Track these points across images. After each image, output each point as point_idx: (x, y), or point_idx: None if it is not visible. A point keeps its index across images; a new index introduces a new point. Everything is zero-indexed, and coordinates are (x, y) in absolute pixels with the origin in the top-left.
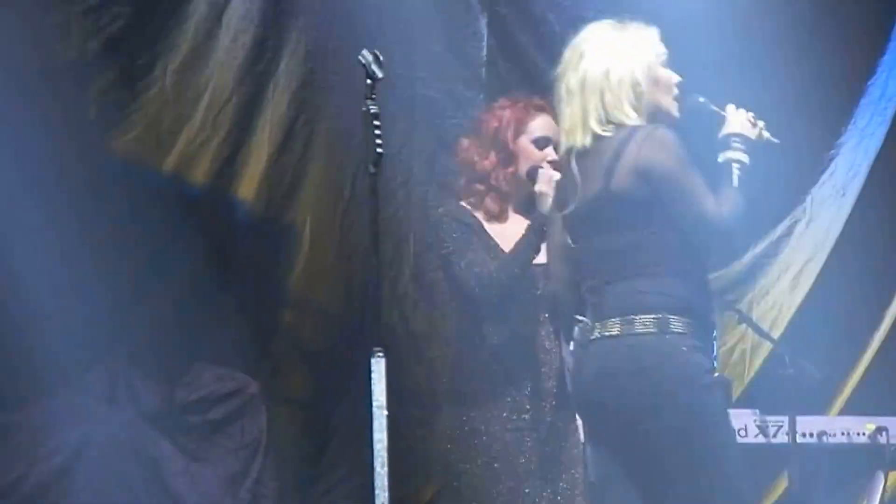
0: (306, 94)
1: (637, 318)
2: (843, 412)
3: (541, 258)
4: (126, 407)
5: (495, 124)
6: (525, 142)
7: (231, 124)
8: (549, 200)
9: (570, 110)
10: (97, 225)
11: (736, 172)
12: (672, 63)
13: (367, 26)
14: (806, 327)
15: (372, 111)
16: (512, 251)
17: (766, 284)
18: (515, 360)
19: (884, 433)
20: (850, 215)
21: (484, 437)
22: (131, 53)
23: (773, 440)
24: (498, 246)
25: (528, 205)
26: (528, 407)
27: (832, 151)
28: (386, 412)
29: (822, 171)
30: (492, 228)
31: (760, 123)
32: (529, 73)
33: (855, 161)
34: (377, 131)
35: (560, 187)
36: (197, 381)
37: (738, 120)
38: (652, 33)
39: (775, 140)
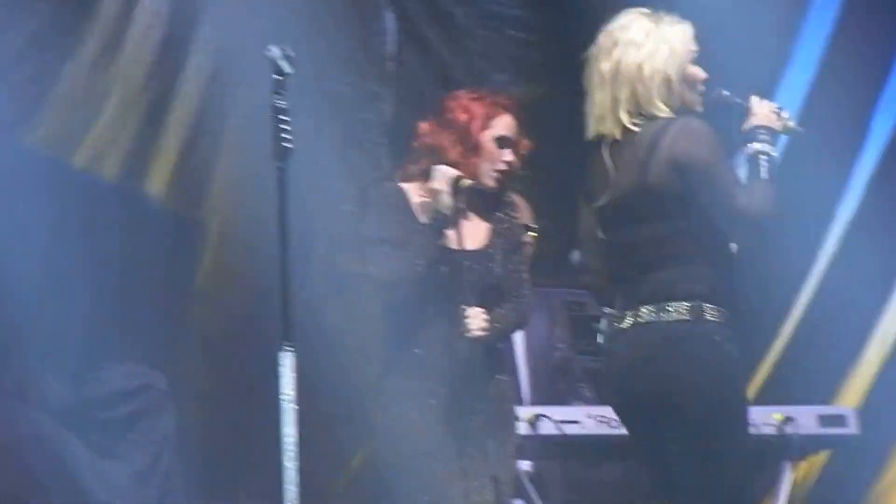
0: (215, 90)
1: (671, 305)
2: (754, 402)
3: (470, 245)
4: (34, 404)
5: (465, 116)
6: (488, 137)
7: (141, 120)
8: (446, 198)
9: (600, 97)
10: (6, 220)
11: (764, 165)
12: None
13: (275, 22)
14: None
15: (280, 106)
16: (415, 249)
17: None
18: (432, 351)
19: (791, 423)
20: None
21: (401, 429)
22: (44, 49)
23: None
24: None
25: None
26: (444, 398)
27: None
28: (294, 406)
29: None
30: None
31: (785, 114)
32: (437, 67)
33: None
34: (285, 126)
35: (592, 179)
36: (105, 377)
37: (762, 112)
38: (686, 28)
39: (800, 129)
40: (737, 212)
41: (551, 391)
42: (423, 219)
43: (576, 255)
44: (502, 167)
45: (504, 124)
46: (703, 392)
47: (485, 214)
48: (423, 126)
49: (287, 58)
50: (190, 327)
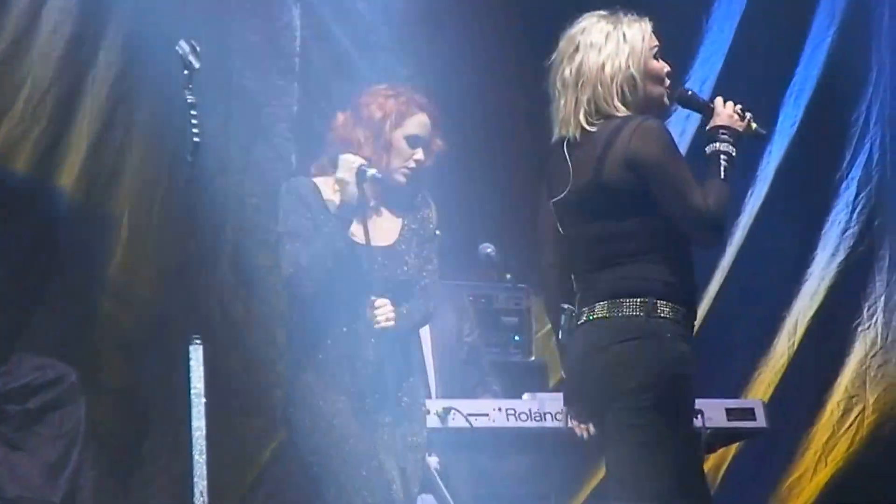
0: (124, 85)
1: (625, 301)
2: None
3: (380, 241)
4: None
5: (379, 113)
6: (399, 136)
7: (51, 115)
8: (352, 188)
9: (564, 101)
10: None
11: (723, 165)
12: None
13: (184, 17)
14: None
15: (189, 101)
16: (323, 241)
17: None
18: (342, 345)
19: (700, 416)
20: None
21: (311, 422)
22: None
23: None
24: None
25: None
26: (354, 391)
27: None
28: (204, 399)
29: None
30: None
31: (748, 115)
32: (342, 62)
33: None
34: (194, 121)
35: (553, 177)
36: (16, 370)
37: (725, 113)
38: (645, 25)
39: (763, 131)
40: (691, 210)
41: (460, 384)
42: (333, 212)
43: (485, 249)
44: (412, 165)
45: (417, 123)
46: (649, 388)
47: (396, 211)
48: (340, 117)
49: (195, 53)
50: (101, 321)
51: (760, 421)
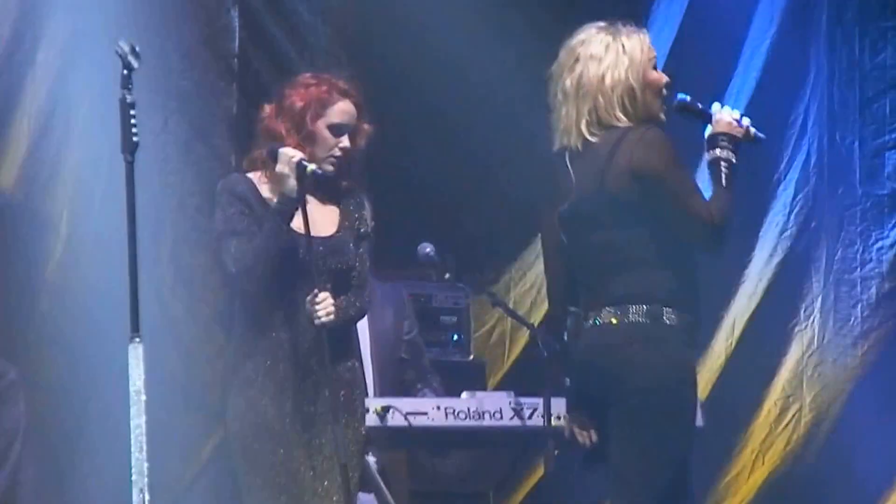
0: (63, 85)
1: (631, 307)
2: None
3: (322, 231)
4: None
5: (300, 103)
6: (322, 126)
7: None
8: (291, 181)
9: (564, 111)
10: None
11: (724, 172)
12: None
13: (123, 18)
14: None
15: (128, 101)
16: (263, 234)
17: (522, 266)
18: (283, 337)
19: None
20: None
21: (251, 416)
22: None
23: (529, 423)
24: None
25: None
26: (293, 384)
27: None
28: (144, 396)
29: None
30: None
31: (746, 121)
32: (281, 63)
33: None
34: (133, 121)
35: (555, 187)
36: None
37: (724, 119)
38: (643, 37)
39: (763, 137)
40: (694, 219)
41: (399, 383)
42: (271, 206)
43: (424, 249)
44: (338, 154)
45: (339, 111)
46: (652, 394)
47: (331, 201)
48: (266, 109)
49: (135, 53)
50: (40, 319)
51: (697, 420)
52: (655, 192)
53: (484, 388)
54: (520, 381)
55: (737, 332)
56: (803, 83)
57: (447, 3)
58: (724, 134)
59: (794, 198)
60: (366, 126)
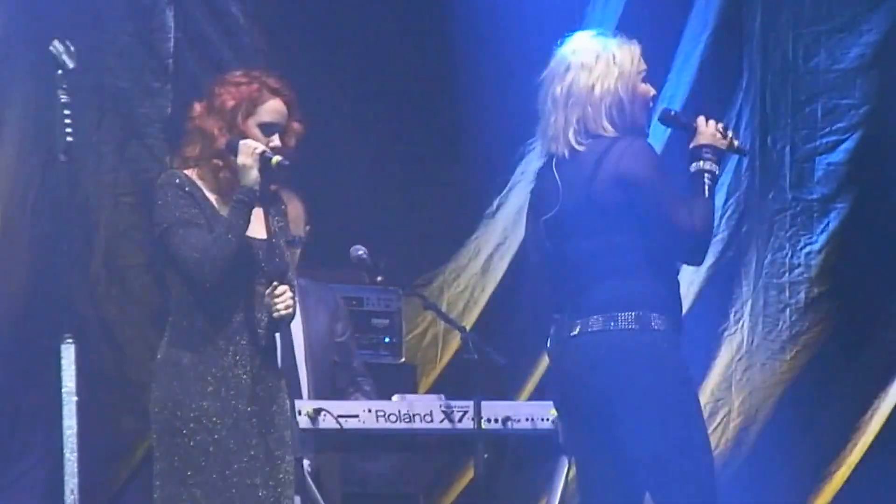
0: None
1: (619, 314)
2: (532, 398)
3: (256, 234)
4: None
5: (231, 102)
6: (252, 124)
7: None
8: (254, 173)
9: (553, 119)
10: None
11: (707, 184)
12: None
13: (57, 17)
14: (499, 311)
15: (62, 101)
16: (225, 225)
17: (457, 268)
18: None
19: None
20: None
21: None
22: None
23: (459, 426)
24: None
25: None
26: (234, 382)
27: (524, 137)
28: (76, 398)
29: (513, 157)
30: (218, 202)
31: (730, 133)
32: (216, 64)
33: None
34: (67, 120)
35: (541, 195)
36: None
37: (708, 131)
38: (634, 48)
39: (746, 148)
40: (678, 228)
41: (331, 386)
42: (215, 200)
43: (357, 251)
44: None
45: (270, 110)
46: (650, 398)
47: (259, 205)
48: (197, 107)
49: (69, 53)
50: None
51: None
52: (641, 201)
53: (415, 391)
54: (452, 383)
55: None
56: (736, 87)
57: (381, 7)
58: (708, 145)
59: (725, 202)
60: (296, 125)
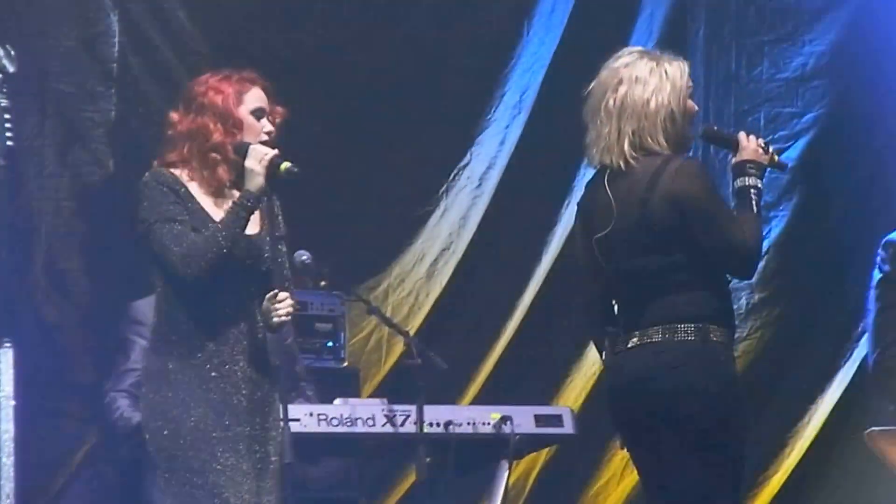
0: None
1: (679, 326)
2: (474, 402)
3: (248, 230)
4: None
5: (218, 97)
6: (245, 112)
7: None
8: (260, 180)
9: (606, 130)
10: None
11: (753, 199)
12: None
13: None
14: (443, 317)
15: (2, 105)
16: (220, 223)
17: (401, 273)
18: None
19: (508, 423)
20: (488, 207)
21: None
22: None
23: (401, 430)
24: (210, 217)
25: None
26: (225, 384)
27: (468, 142)
28: (13, 402)
29: (458, 162)
30: (212, 204)
31: (771, 149)
32: (161, 68)
33: (491, 153)
34: (8, 125)
35: (593, 213)
36: None
37: (750, 147)
38: (683, 65)
39: (786, 163)
40: (732, 246)
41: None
42: (204, 198)
43: (300, 256)
44: (265, 139)
45: (256, 96)
46: (709, 409)
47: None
48: (174, 116)
49: (10, 57)
50: None
51: (568, 427)
52: (695, 220)
53: (357, 395)
54: (396, 388)
55: None
56: None
57: (329, 12)
58: (752, 161)
59: None
60: (278, 108)
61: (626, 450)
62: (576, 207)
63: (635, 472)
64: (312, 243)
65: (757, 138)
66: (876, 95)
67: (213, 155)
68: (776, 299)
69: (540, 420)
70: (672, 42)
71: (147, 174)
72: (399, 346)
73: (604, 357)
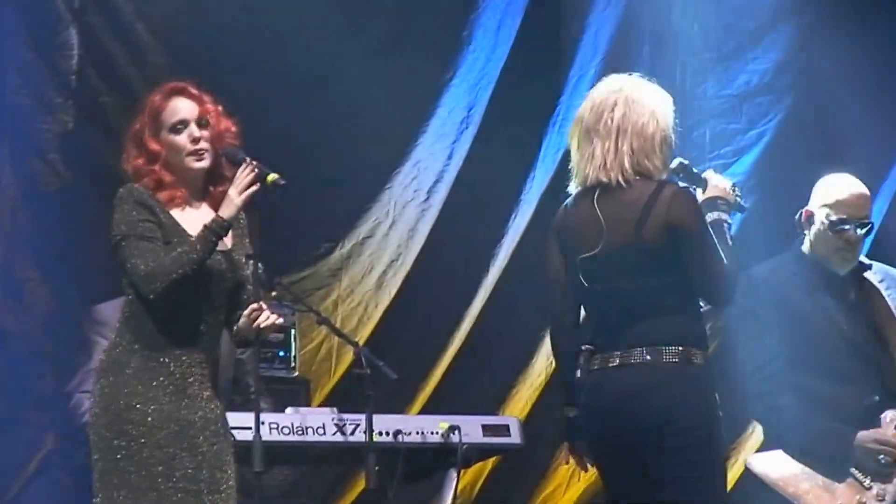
0: None
1: (665, 348)
2: (423, 411)
3: (221, 245)
4: None
5: (136, 127)
6: (165, 135)
7: None
8: (234, 209)
9: (604, 147)
10: None
11: (728, 232)
12: None
13: None
14: (392, 327)
15: None
16: (190, 246)
17: (351, 284)
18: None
19: (456, 432)
20: (437, 220)
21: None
22: None
23: (351, 438)
24: (182, 229)
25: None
26: (186, 397)
27: (415, 154)
28: None
29: (407, 175)
30: (180, 216)
31: (736, 190)
32: (119, 80)
33: (438, 168)
34: None
35: (579, 232)
36: None
37: (720, 185)
38: (669, 96)
39: (745, 206)
40: (717, 274)
41: (229, 400)
42: (175, 213)
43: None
44: (193, 147)
45: (174, 110)
46: (700, 428)
47: (212, 205)
48: (136, 124)
49: None
50: None
51: (515, 437)
52: (687, 247)
53: (308, 404)
54: (346, 397)
55: None
56: None
57: (287, 24)
58: (721, 198)
59: None
60: (209, 107)
61: (595, 465)
62: (549, 231)
63: (582, 481)
64: (263, 255)
65: (724, 177)
66: (818, 111)
67: (155, 179)
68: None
69: (488, 430)
70: (617, 60)
71: (121, 189)
72: (349, 356)
73: (577, 374)
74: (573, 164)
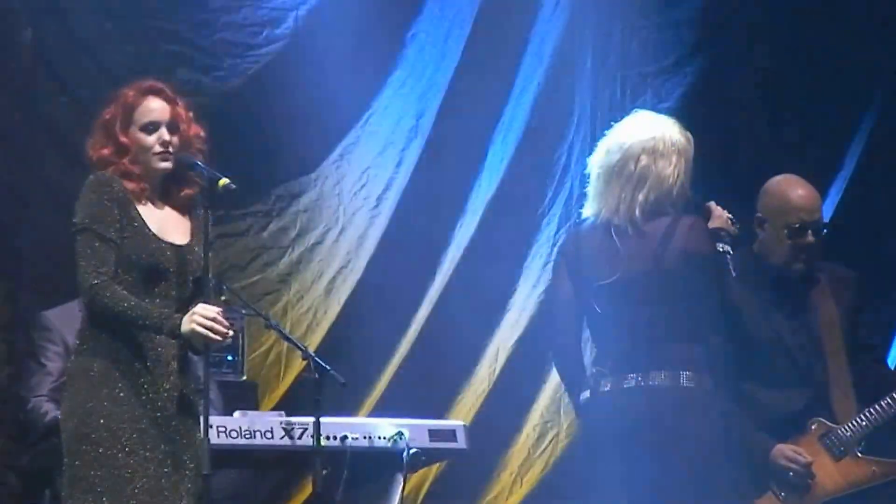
0: None
1: (683, 372)
2: (371, 416)
3: (178, 240)
4: None
5: (106, 116)
6: (135, 132)
7: None
8: (197, 343)
9: (622, 194)
10: None
11: (731, 263)
12: None
13: None
14: (341, 333)
15: None
16: (139, 313)
17: (301, 289)
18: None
19: (403, 437)
20: (386, 227)
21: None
22: None
23: (299, 442)
24: (146, 226)
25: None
26: (155, 393)
27: (364, 161)
28: None
29: (356, 183)
30: (145, 211)
31: (735, 224)
32: (74, 85)
33: (387, 175)
34: None
35: (594, 259)
36: None
37: (722, 217)
38: (690, 136)
39: (731, 253)
40: (729, 300)
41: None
42: (140, 207)
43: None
44: (160, 149)
45: (147, 111)
46: (705, 449)
47: (182, 210)
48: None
49: None
50: None
51: (461, 442)
52: (702, 274)
53: (257, 408)
54: (295, 401)
55: (500, 360)
56: (568, 122)
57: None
58: (723, 229)
59: (556, 232)
60: (181, 112)
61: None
62: (558, 255)
63: (524, 486)
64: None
65: (723, 210)
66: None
67: (121, 170)
68: None
69: (434, 435)
70: (561, 71)
71: (92, 175)
72: (298, 361)
73: (587, 395)
74: (589, 191)
